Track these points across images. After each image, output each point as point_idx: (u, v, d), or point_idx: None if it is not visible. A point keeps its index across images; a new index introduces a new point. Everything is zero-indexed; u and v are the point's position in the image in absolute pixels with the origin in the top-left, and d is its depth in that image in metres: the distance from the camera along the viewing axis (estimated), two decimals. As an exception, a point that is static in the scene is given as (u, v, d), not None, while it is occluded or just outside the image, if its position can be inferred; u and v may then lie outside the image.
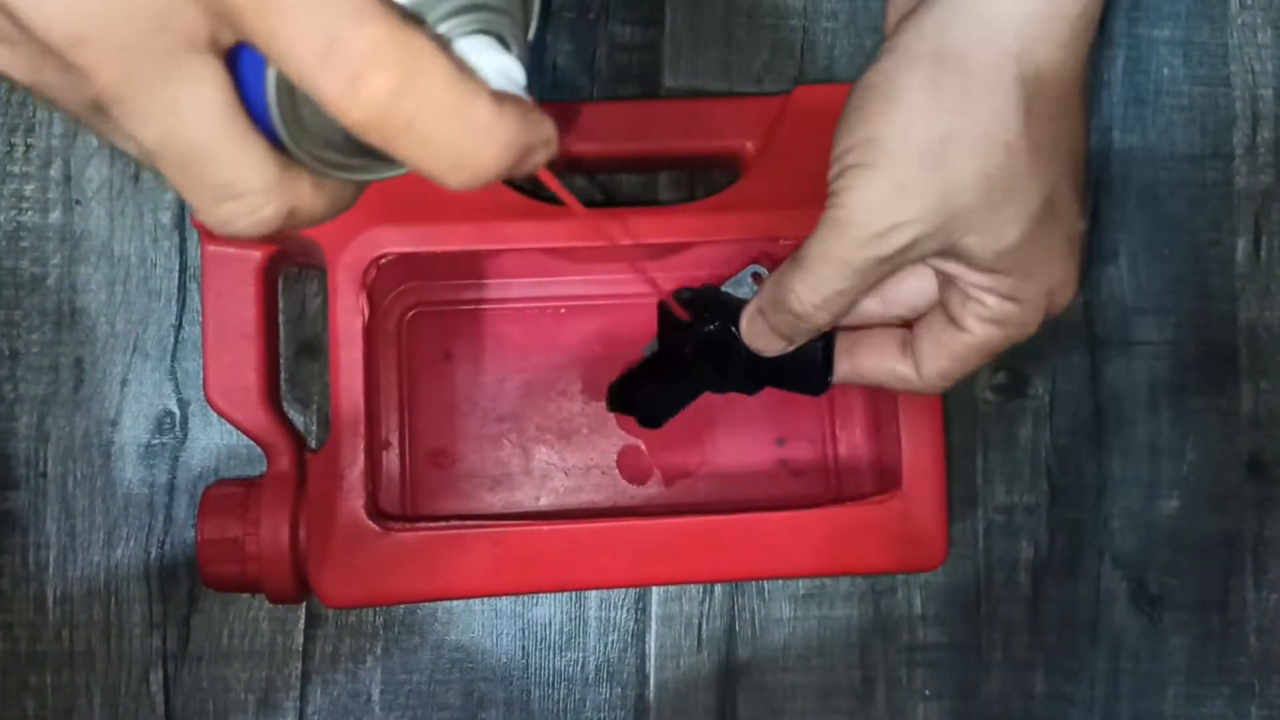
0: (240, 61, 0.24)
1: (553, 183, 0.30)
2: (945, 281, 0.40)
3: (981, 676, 0.56)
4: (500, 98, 0.24)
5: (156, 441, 0.54)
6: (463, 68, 0.23)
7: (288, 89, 0.24)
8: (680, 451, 0.54)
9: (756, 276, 0.46)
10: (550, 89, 0.56)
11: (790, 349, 0.43)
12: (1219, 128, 0.59)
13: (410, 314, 0.54)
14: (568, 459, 0.54)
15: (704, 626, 0.55)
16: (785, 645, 0.55)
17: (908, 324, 0.43)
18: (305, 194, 0.25)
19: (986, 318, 0.39)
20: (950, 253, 0.37)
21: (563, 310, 0.55)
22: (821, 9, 0.58)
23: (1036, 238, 0.37)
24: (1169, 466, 0.57)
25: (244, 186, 0.24)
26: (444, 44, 0.24)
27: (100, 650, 0.53)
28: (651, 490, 0.54)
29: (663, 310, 0.48)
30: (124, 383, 0.54)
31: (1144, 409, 0.57)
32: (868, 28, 0.57)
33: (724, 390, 0.48)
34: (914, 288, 0.42)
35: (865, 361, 0.43)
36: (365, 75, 0.22)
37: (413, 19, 0.24)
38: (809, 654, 0.55)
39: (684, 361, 0.47)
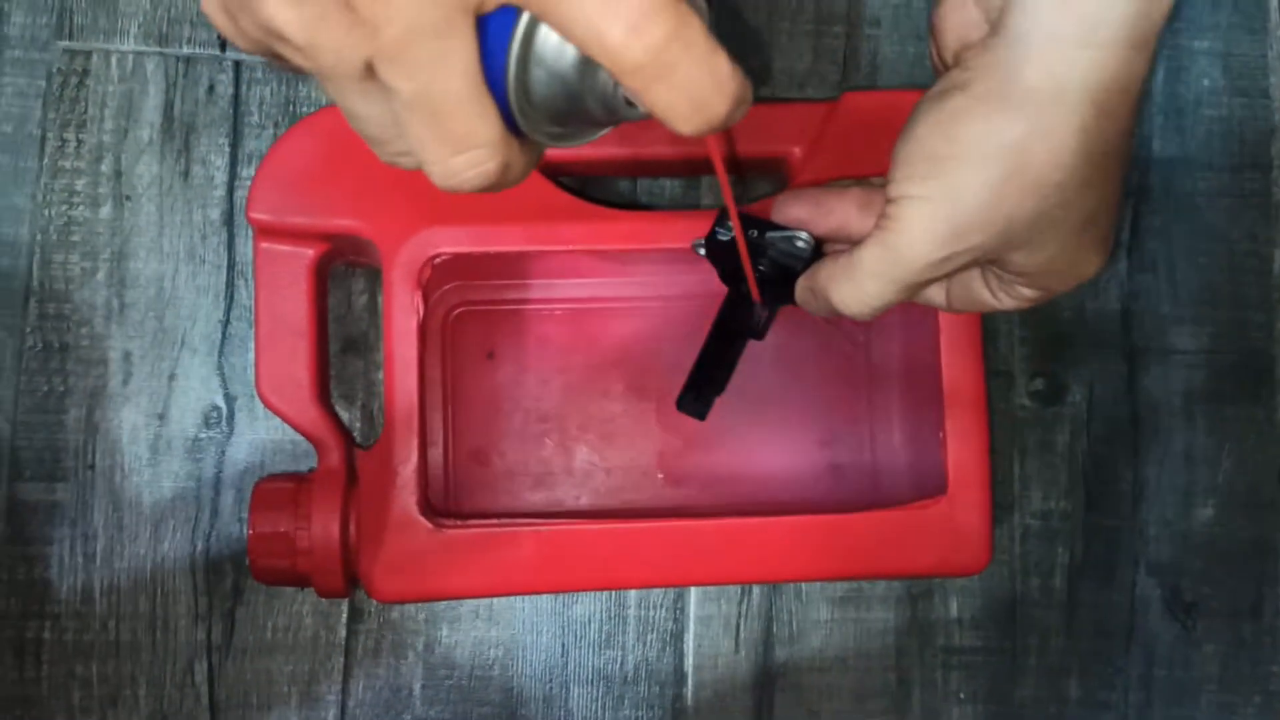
0: (487, 28, 0.27)
1: (716, 152, 0.36)
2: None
3: (1016, 681, 0.56)
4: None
5: (203, 436, 0.54)
6: (710, 27, 0.27)
7: (523, 59, 0.28)
8: (721, 453, 0.55)
9: (805, 242, 0.45)
10: (596, 92, 0.56)
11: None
12: (1258, 139, 0.59)
13: (455, 313, 0.55)
14: (609, 459, 0.55)
15: (742, 627, 0.55)
16: (822, 647, 0.56)
17: None
18: (516, 153, 0.29)
19: (1018, 297, 0.41)
20: (993, 263, 0.40)
21: (605, 311, 0.55)
22: (864, 16, 0.58)
23: (1074, 246, 0.38)
24: (1204, 475, 0.58)
25: (479, 139, 0.28)
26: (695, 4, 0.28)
27: (146, 641, 0.53)
28: (691, 491, 0.55)
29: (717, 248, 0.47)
30: (172, 377, 0.54)
31: (1180, 417, 0.58)
32: (910, 35, 0.58)
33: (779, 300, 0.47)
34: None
35: (957, 293, 0.43)
36: (645, 24, 0.25)
37: None
38: (846, 656, 0.56)
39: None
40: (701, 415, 0.48)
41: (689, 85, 0.27)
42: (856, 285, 0.40)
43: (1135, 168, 0.58)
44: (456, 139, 0.27)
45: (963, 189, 0.37)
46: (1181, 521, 0.57)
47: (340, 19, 0.26)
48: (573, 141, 0.31)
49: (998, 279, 0.41)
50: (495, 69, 0.27)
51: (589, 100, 0.29)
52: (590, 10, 0.25)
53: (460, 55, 0.26)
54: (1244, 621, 0.57)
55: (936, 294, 0.43)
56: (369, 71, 0.27)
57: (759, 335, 0.47)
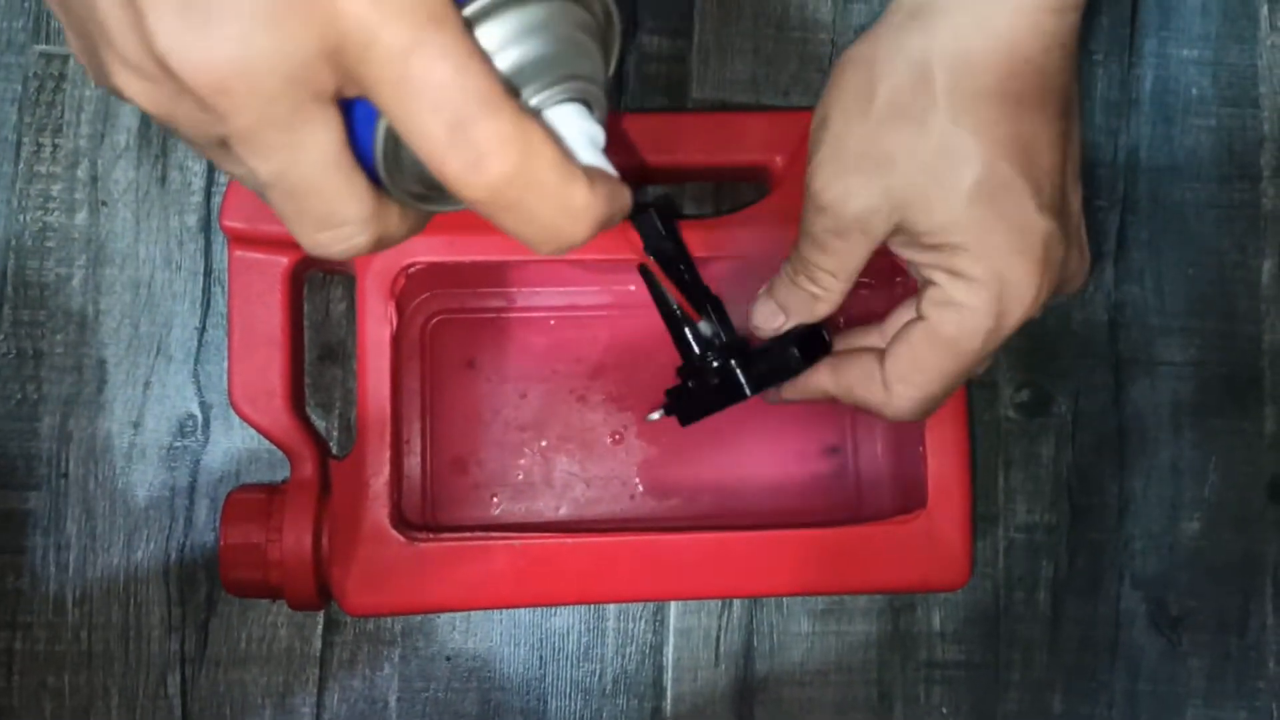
0: (354, 106, 0.26)
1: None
2: (911, 274, 0.42)
3: (999, 695, 0.56)
4: (593, 177, 0.27)
5: (178, 444, 0.54)
6: (566, 155, 0.26)
7: (392, 135, 0.27)
8: (701, 464, 0.54)
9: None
10: (578, 99, 0.56)
11: (784, 326, 0.44)
12: (1247, 149, 0.59)
13: (433, 322, 0.54)
14: (589, 469, 0.54)
15: (722, 640, 0.55)
16: (803, 660, 0.55)
17: None
18: (393, 222, 0.28)
19: (940, 300, 0.39)
20: (901, 229, 0.39)
21: (587, 320, 0.55)
22: (850, 23, 0.58)
23: (978, 215, 0.37)
24: (1191, 488, 0.57)
25: (343, 218, 0.27)
26: (554, 133, 0.27)
27: (119, 652, 0.53)
28: (672, 502, 0.54)
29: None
30: (147, 385, 0.54)
31: (1167, 429, 0.57)
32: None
33: (724, 398, 0.46)
34: (894, 319, 0.44)
35: (845, 372, 0.44)
36: (486, 160, 0.25)
37: (519, 94, 0.27)
38: (827, 669, 0.55)
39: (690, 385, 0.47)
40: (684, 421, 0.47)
41: (539, 218, 0.26)
42: (793, 250, 0.43)
43: (1123, 177, 0.58)
44: (319, 219, 0.27)
45: (837, 120, 0.39)
46: (1167, 535, 0.57)
47: (190, 102, 0.25)
48: (459, 206, 0.30)
49: (922, 282, 0.40)
50: (365, 144, 0.26)
51: None
52: (433, 142, 0.24)
53: (317, 142, 0.26)
54: (1230, 636, 0.57)
55: (872, 375, 0.42)
56: (227, 146, 0.26)
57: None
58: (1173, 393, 0.57)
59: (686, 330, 0.45)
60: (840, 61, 0.39)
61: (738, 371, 0.45)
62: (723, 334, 0.45)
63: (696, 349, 0.45)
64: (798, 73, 0.57)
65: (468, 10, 0.26)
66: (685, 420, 0.47)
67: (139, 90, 0.25)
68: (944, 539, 0.48)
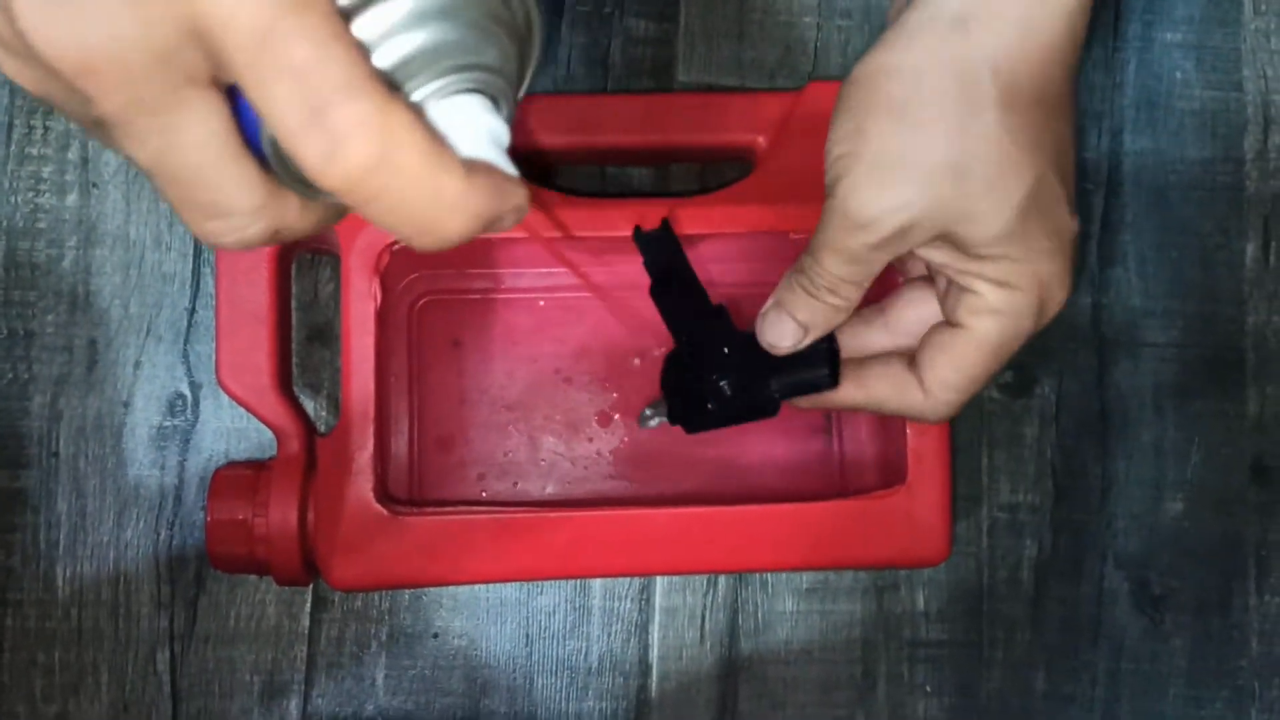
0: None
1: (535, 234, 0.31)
2: (944, 288, 0.41)
3: (982, 674, 0.56)
4: (473, 169, 0.25)
5: (168, 424, 0.54)
6: (437, 143, 0.24)
7: None
8: (687, 443, 0.55)
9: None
10: (564, 81, 0.56)
11: (804, 342, 0.44)
12: (1230, 132, 0.59)
13: (421, 302, 0.54)
14: (574, 449, 0.55)
15: (707, 619, 0.55)
16: (788, 639, 0.55)
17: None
18: (292, 214, 0.26)
19: (982, 309, 0.39)
20: (944, 239, 0.39)
21: (573, 300, 0.55)
22: (835, 7, 0.58)
23: (1025, 226, 0.38)
24: (1173, 469, 0.57)
25: (230, 208, 0.25)
26: (422, 117, 0.25)
27: (108, 629, 0.53)
28: (658, 483, 0.54)
29: (667, 362, 0.49)
30: (137, 365, 0.54)
31: (1150, 411, 0.58)
32: (881, 26, 0.58)
33: (744, 417, 0.47)
34: (918, 315, 0.44)
35: (874, 384, 0.44)
36: (344, 147, 0.23)
37: (391, 85, 0.25)
38: (811, 648, 0.55)
39: (703, 402, 0.47)
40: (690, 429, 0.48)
41: (406, 209, 0.24)
42: (813, 259, 0.41)
43: (1106, 160, 0.58)
44: (204, 207, 0.25)
45: (882, 136, 0.37)
46: (1150, 515, 0.57)
47: (60, 84, 0.24)
48: None
49: (958, 290, 0.40)
50: (254, 130, 0.25)
51: None
52: (290, 127, 0.23)
53: (194, 127, 0.24)
54: (1212, 616, 0.57)
55: (907, 384, 0.43)
56: (105, 128, 0.25)
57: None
58: (1155, 374, 0.58)
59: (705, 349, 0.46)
60: (869, 71, 0.38)
61: (765, 390, 0.46)
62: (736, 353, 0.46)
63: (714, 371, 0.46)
64: (783, 57, 0.57)
65: None
66: (692, 429, 0.48)
67: (12, 69, 0.25)
68: (923, 514, 0.48)
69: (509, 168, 0.27)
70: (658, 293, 0.47)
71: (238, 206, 0.25)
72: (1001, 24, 0.36)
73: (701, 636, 0.55)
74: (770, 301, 0.44)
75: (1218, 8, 0.59)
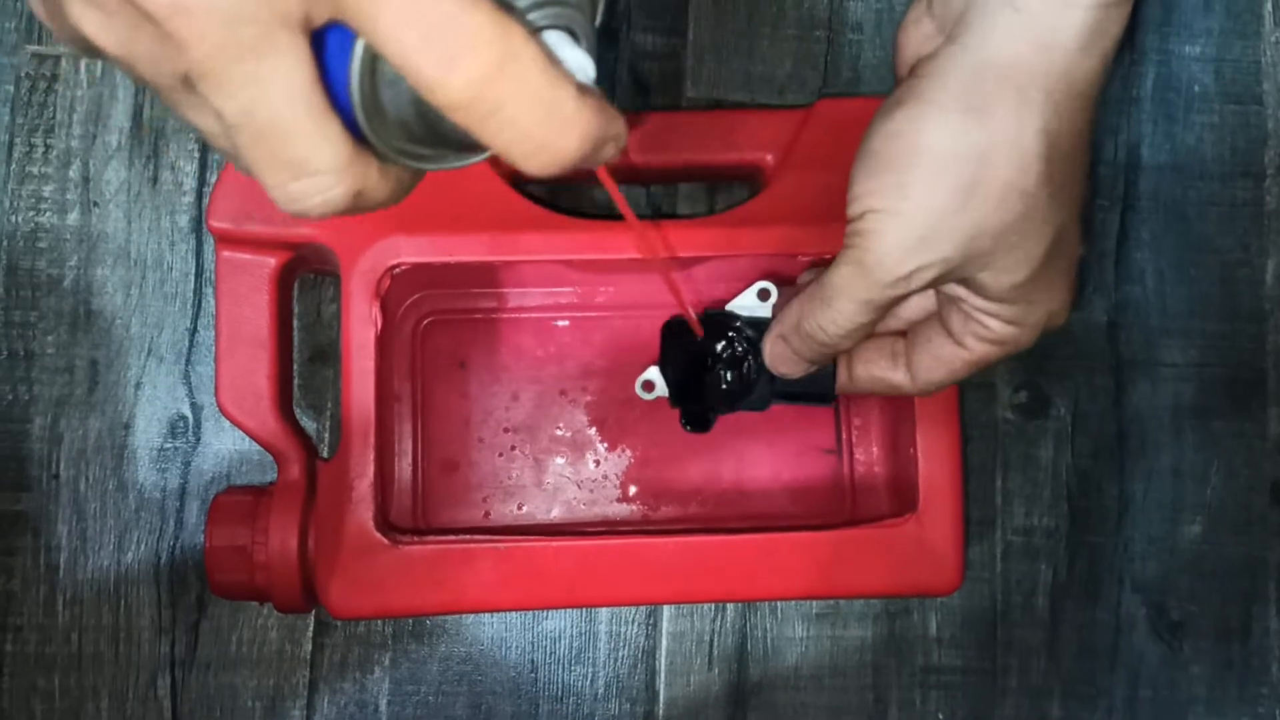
0: (326, 44, 0.25)
1: (610, 183, 0.32)
2: (947, 301, 0.41)
3: (997, 701, 0.55)
4: (583, 89, 0.25)
5: (169, 445, 0.54)
6: (552, 58, 0.25)
7: (370, 75, 0.25)
8: (695, 468, 0.54)
9: (764, 293, 0.46)
10: (570, 98, 0.56)
11: (812, 370, 0.45)
12: (1250, 146, 0.58)
13: (425, 322, 0.54)
14: (580, 471, 0.54)
15: (715, 644, 0.54)
16: (797, 665, 0.54)
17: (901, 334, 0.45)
18: (373, 178, 0.26)
19: (987, 338, 0.40)
20: (963, 282, 0.39)
21: (579, 320, 0.54)
22: (846, 20, 0.57)
23: (1045, 271, 0.38)
24: (1192, 491, 0.56)
25: (317, 165, 0.25)
26: (536, 34, 0.25)
27: (109, 654, 0.53)
28: (665, 505, 0.54)
29: (669, 330, 0.47)
30: (138, 386, 0.54)
31: (1168, 432, 0.56)
32: (892, 40, 0.57)
33: (734, 408, 0.47)
34: (919, 304, 0.43)
35: (859, 370, 0.45)
36: (463, 57, 0.23)
37: (508, 7, 0.25)
38: (821, 674, 0.54)
39: (700, 380, 0.47)
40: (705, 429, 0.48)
41: (523, 123, 0.24)
42: (830, 307, 0.40)
43: (1123, 175, 0.57)
44: (291, 164, 0.25)
45: (928, 197, 0.36)
46: (1168, 539, 0.56)
47: (149, 33, 0.24)
48: (446, 165, 0.28)
49: (964, 316, 0.40)
50: (339, 87, 0.25)
51: (446, 123, 0.26)
52: (406, 40, 0.23)
53: (286, 76, 0.24)
54: (1232, 641, 0.56)
55: (899, 375, 0.43)
56: (190, 85, 0.25)
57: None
58: (1174, 395, 0.56)
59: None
60: (904, 125, 0.36)
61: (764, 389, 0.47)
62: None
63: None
64: (793, 71, 0.56)
65: None
66: (684, 405, 0.48)
67: (95, 25, 0.24)
68: (935, 543, 0.47)
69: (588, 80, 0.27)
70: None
71: (325, 163, 0.25)
72: (1044, 87, 0.35)
73: (710, 662, 0.54)
74: (776, 333, 0.44)
75: (1237, 20, 0.58)
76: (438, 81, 0.23)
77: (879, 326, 0.43)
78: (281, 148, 0.25)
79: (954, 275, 0.38)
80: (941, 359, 0.41)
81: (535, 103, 0.24)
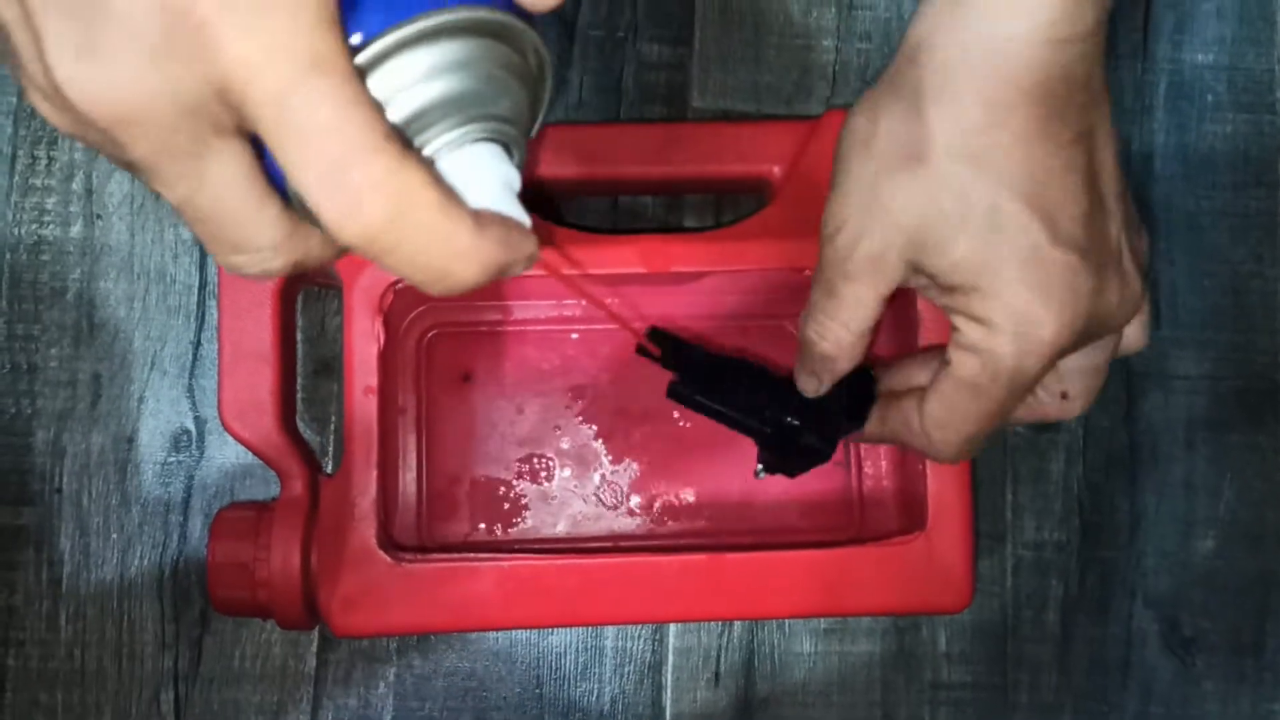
0: None
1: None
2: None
3: (1007, 717, 0.54)
4: (484, 219, 0.26)
5: (172, 459, 0.53)
6: (449, 197, 0.26)
7: None
8: (702, 482, 0.53)
9: None
10: (575, 109, 0.55)
11: (822, 389, 0.44)
12: (1263, 156, 0.57)
13: (429, 335, 0.53)
14: (586, 485, 0.53)
15: (722, 660, 0.54)
16: (805, 681, 0.54)
17: None
18: (314, 245, 0.28)
19: (961, 344, 0.38)
20: (918, 271, 0.38)
21: (585, 333, 0.54)
22: (855, 30, 0.56)
23: (990, 256, 0.37)
24: (1205, 505, 0.56)
25: (255, 244, 0.27)
26: (434, 171, 0.26)
27: (112, 670, 0.52)
28: (672, 519, 0.53)
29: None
30: (141, 399, 0.53)
31: (1180, 445, 0.56)
32: (902, 49, 0.56)
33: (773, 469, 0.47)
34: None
35: (889, 415, 0.44)
36: (361, 206, 0.24)
37: (407, 138, 0.26)
38: (829, 690, 0.54)
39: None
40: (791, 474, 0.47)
41: (421, 260, 0.26)
42: (808, 307, 0.41)
43: (1135, 185, 0.56)
44: (229, 244, 0.27)
45: (852, 168, 0.38)
46: (1181, 553, 0.55)
47: (95, 130, 0.25)
48: None
49: (950, 330, 0.39)
50: (278, 171, 0.26)
51: None
52: (310, 185, 0.24)
53: (221, 171, 0.26)
54: (1245, 657, 0.55)
55: (914, 416, 0.42)
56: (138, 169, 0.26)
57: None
58: (1186, 407, 0.56)
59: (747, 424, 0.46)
60: (851, 111, 0.39)
61: (805, 437, 0.45)
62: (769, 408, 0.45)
63: (766, 429, 0.45)
64: (800, 81, 0.56)
65: (366, 52, 0.25)
66: (794, 474, 0.47)
67: (49, 113, 0.26)
68: (944, 561, 0.47)
69: (521, 215, 0.28)
70: (677, 392, 0.46)
71: (262, 243, 0.27)
72: (948, 54, 0.36)
73: (716, 679, 0.54)
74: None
75: (1250, 28, 0.57)
76: (336, 226, 0.25)
77: (921, 381, 0.43)
78: (220, 230, 0.27)
79: (898, 254, 0.38)
80: (936, 384, 0.40)
81: (430, 243, 0.25)
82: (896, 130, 0.37)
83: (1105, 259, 0.38)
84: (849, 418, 0.44)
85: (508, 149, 0.28)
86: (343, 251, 0.28)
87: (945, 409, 0.40)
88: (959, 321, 0.38)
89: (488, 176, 0.27)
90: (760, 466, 0.47)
